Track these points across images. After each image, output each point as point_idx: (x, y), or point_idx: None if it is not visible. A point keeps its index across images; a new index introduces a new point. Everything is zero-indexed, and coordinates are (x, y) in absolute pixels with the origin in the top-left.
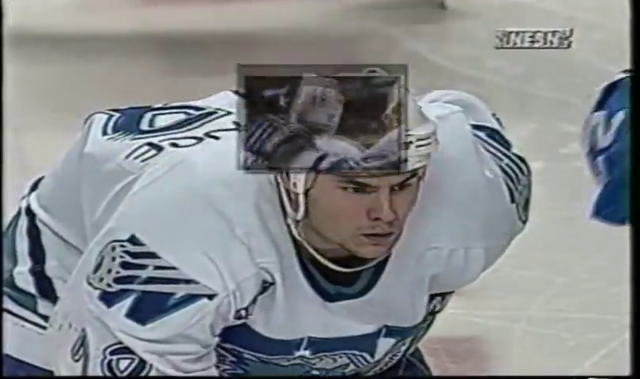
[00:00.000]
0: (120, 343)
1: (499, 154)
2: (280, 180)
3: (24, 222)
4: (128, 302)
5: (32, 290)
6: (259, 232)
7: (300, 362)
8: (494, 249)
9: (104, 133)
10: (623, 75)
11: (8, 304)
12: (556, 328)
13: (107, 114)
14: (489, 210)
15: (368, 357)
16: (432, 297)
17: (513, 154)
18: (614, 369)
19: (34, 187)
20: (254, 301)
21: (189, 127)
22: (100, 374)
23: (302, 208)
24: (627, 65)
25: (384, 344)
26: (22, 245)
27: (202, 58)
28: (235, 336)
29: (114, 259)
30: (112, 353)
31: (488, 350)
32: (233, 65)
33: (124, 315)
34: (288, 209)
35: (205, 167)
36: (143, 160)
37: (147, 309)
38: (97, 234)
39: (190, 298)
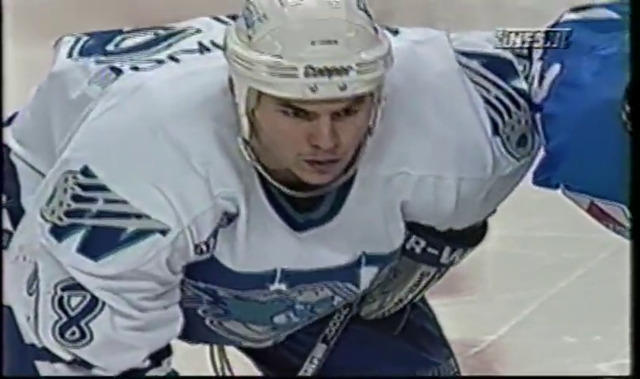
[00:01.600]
0: (72, 279)
1: (488, 84)
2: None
3: None
4: (78, 236)
5: (9, 227)
6: (219, 160)
7: (278, 296)
8: (467, 182)
9: (70, 55)
10: (566, 16)
11: None
12: (531, 247)
13: (75, 36)
14: (465, 140)
15: (353, 288)
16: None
17: (512, 87)
18: (590, 289)
19: (9, 121)
20: (215, 234)
21: (155, 48)
22: (50, 310)
23: (245, 129)
24: None
25: (367, 273)
26: None
27: None
28: (205, 273)
29: (65, 191)
30: (63, 289)
31: (461, 271)
32: None
33: (75, 250)
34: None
35: (161, 93)
36: (102, 85)
37: (98, 244)
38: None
39: (142, 234)
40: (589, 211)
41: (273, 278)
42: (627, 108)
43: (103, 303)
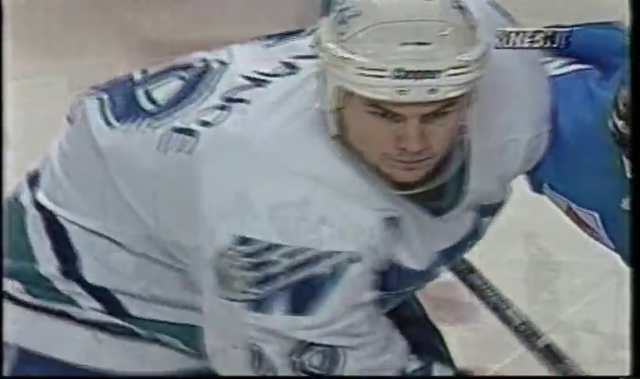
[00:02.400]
0: (299, 341)
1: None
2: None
3: (36, 219)
4: (280, 300)
5: (81, 290)
6: (356, 173)
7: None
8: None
9: (107, 122)
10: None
11: (56, 305)
12: (537, 273)
13: (95, 98)
14: (542, 91)
15: (474, 241)
16: None
17: None
18: (599, 317)
19: (33, 182)
20: (392, 241)
21: (199, 97)
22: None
23: (332, 125)
24: None
25: (484, 224)
26: (42, 244)
27: None
28: (389, 281)
29: (233, 267)
30: (297, 353)
31: (466, 297)
32: None
33: (284, 313)
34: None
35: (266, 144)
36: (187, 151)
37: (302, 298)
38: (180, 244)
39: (339, 270)
40: (568, 213)
41: (439, 262)
42: (616, 118)
43: (340, 347)
